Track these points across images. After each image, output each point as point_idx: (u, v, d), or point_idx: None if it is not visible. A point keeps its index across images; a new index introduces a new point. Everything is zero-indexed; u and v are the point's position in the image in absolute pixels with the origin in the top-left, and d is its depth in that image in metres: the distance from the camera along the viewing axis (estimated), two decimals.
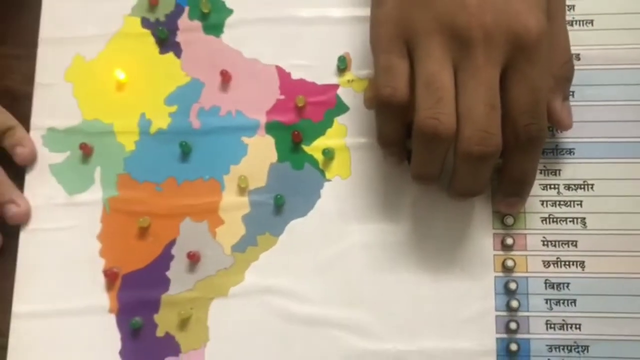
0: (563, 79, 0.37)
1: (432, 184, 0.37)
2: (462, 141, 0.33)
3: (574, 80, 0.39)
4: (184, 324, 0.39)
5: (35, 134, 0.41)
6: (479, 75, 0.33)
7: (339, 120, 0.41)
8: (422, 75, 0.34)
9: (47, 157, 0.41)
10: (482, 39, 0.33)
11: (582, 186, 0.39)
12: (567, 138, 0.39)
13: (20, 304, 0.39)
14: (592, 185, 0.39)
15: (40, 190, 0.41)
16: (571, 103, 0.39)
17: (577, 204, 0.39)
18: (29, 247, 0.40)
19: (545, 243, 0.38)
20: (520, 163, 0.36)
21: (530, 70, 0.33)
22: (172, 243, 0.40)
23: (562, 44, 0.37)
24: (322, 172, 0.40)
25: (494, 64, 0.33)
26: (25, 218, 0.40)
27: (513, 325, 0.37)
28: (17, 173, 0.41)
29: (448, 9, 0.33)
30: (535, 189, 0.39)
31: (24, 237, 0.40)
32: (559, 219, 0.39)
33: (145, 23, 0.42)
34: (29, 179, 0.41)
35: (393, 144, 0.37)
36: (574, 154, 0.39)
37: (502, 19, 0.33)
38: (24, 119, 0.41)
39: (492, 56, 0.33)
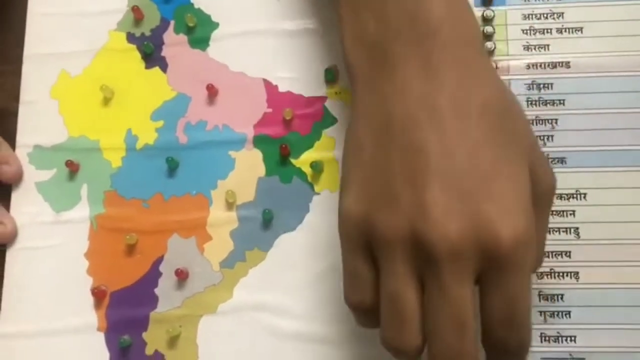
0: None
1: None
2: None
3: (566, 89, 0.39)
4: (173, 341, 0.38)
5: (21, 152, 0.41)
6: (445, 293, 0.29)
7: (327, 133, 0.40)
8: (386, 292, 0.30)
9: (33, 175, 0.41)
10: (447, 255, 0.29)
11: (575, 196, 0.38)
12: (559, 147, 0.39)
13: (6, 324, 0.39)
14: (585, 194, 0.38)
15: (27, 209, 0.40)
16: (563, 111, 0.39)
17: (570, 214, 0.38)
18: (16, 266, 0.39)
19: None
20: None
21: (505, 281, 0.29)
22: (160, 260, 0.39)
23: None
24: (311, 186, 0.40)
25: (462, 279, 0.29)
26: (11, 237, 0.40)
27: None
28: (3, 192, 0.40)
29: (411, 215, 0.29)
30: None
31: (10, 256, 0.40)
32: (551, 229, 0.38)
33: (130, 38, 0.42)
34: (15, 197, 0.40)
35: (372, 328, 0.33)
36: (565, 163, 0.39)
37: (470, 229, 0.29)
38: (10, 137, 0.41)
39: (460, 272, 0.29)
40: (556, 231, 0.38)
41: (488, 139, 0.30)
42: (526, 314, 0.30)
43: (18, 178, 0.40)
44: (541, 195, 0.32)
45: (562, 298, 0.37)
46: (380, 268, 0.31)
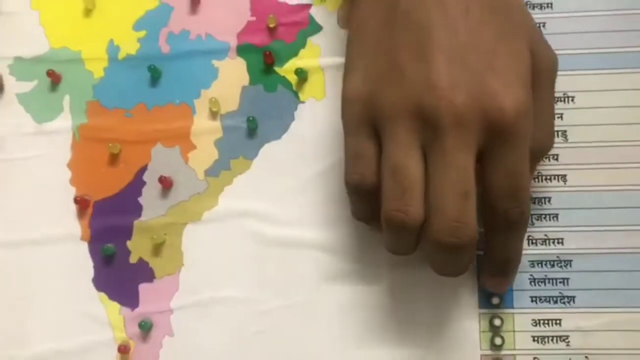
0: (538, 154, 0.34)
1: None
2: (432, 233, 0.31)
3: None
4: (157, 249, 0.38)
5: (1, 64, 0.40)
6: (449, 161, 0.30)
7: (312, 41, 0.39)
8: (388, 163, 0.31)
9: (14, 87, 0.40)
10: (452, 123, 0.30)
11: (563, 99, 0.38)
12: None
13: None
14: (573, 97, 0.38)
15: (8, 120, 0.40)
16: (551, 15, 0.38)
17: (558, 117, 0.37)
18: None
19: None
20: (503, 244, 0.34)
21: (508, 153, 0.31)
22: (144, 169, 0.39)
23: (544, 120, 0.34)
24: (296, 94, 0.39)
25: (465, 148, 0.30)
26: None
27: None
28: None
29: (416, 89, 0.30)
30: None
31: None
32: None
33: None
34: None
35: (368, 221, 0.35)
36: None
37: (475, 100, 0.30)
38: None
39: (464, 140, 0.30)
40: None
41: (490, 18, 0.31)
42: (527, 186, 0.32)
43: None
44: (543, 73, 0.33)
45: (549, 201, 0.37)
46: (384, 144, 0.32)
